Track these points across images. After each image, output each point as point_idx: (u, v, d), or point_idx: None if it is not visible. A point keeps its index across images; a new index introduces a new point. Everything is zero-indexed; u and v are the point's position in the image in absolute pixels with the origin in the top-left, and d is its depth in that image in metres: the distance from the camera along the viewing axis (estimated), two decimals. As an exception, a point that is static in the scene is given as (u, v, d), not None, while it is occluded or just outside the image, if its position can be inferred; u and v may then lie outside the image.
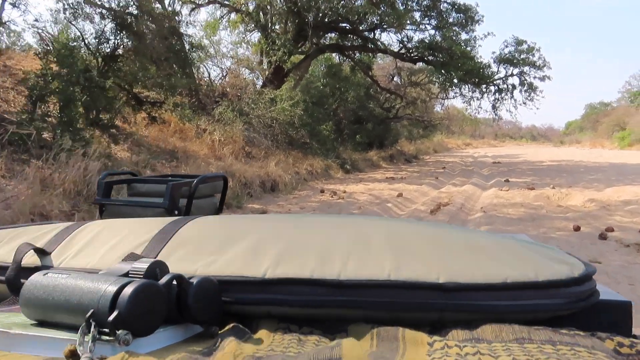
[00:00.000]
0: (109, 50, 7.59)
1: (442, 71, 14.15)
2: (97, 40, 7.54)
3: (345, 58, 16.57)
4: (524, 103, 15.11)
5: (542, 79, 14.69)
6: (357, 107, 17.93)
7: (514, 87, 14.96)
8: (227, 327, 0.56)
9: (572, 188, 9.11)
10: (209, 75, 13.14)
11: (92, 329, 0.47)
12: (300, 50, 14.28)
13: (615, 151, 30.76)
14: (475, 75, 14.31)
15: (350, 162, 14.52)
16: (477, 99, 15.29)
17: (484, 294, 0.55)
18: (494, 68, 14.72)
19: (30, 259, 0.70)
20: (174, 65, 7.69)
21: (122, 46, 7.67)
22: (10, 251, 0.71)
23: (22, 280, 0.61)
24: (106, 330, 0.48)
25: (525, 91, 14.88)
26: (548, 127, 69.68)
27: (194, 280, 0.55)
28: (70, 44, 6.71)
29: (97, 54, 7.47)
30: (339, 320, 0.58)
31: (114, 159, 6.27)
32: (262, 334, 0.56)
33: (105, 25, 7.54)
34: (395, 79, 19.73)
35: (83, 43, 7.36)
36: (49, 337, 0.50)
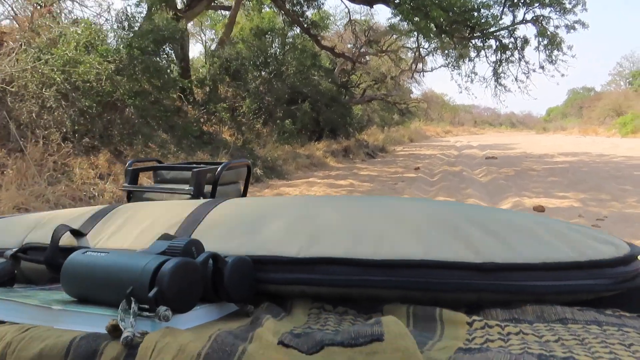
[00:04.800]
0: None
1: (413, 14, 8.64)
2: None
3: (279, 10, 11.56)
4: (542, 67, 9.51)
5: (572, 27, 9.12)
6: (301, 80, 12.66)
7: (525, 41, 9.38)
8: (262, 306, 0.57)
9: None
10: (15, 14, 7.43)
11: (133, 304, 0.48)
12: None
13: (617, 139, 26.62)
14: (466, 22, 8.83)
15: (269, 162, 9.01)
16: (470, 60, 9.65)
17: (523, 274, 0.55)
18: (496, 11, 9.16)
19: (67, 240, 0.73)
20: None
21: None
22: (47, 233, 0.73)
23: (60, 260, 0.62)
24: (146, 306, 0.48)
25: (546, 47, 9.27)
26: (526, 114, 67.22)
27: (229, 259, 0.56)
28: None
29: None
30: (373, 300, 0.58)
31: None
32: (297, 312, 0.57)
33: None
34: (362, 48, 14.47)
35: None
36: (91, 312, 0.51)
